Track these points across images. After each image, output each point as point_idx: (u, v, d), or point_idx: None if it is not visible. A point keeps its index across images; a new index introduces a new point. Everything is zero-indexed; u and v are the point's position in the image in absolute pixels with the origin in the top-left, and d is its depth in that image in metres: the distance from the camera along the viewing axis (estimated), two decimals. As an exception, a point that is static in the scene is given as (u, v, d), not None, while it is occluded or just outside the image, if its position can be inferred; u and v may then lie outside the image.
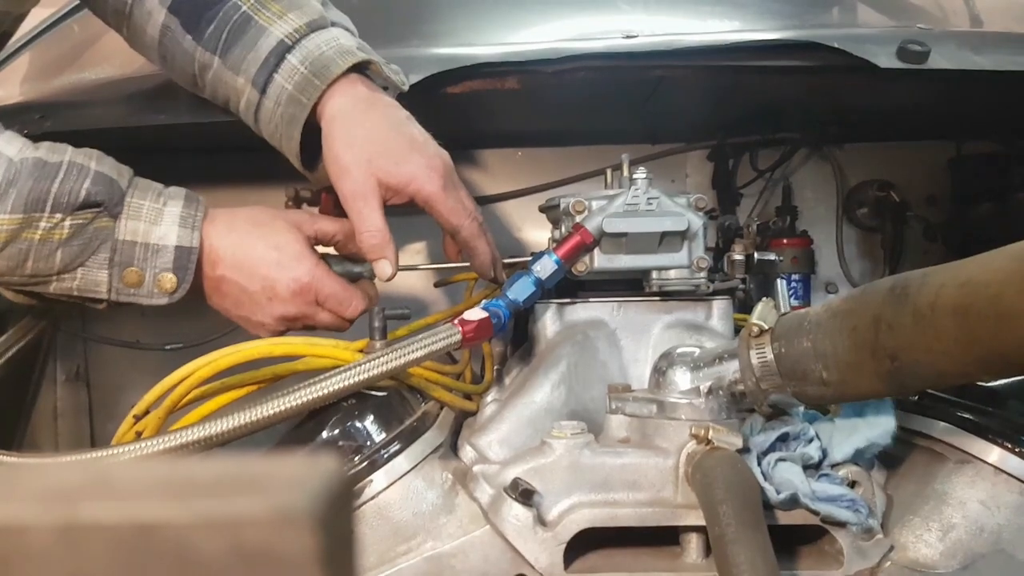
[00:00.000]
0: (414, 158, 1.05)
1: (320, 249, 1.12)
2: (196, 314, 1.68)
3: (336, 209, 1.66)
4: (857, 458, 0.96)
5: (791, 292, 1.60)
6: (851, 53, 1.06)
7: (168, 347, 1.62)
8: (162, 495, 0.23)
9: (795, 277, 1.62)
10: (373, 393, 1.04)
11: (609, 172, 1.21)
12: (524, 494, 0.91)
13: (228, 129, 1.15)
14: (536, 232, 1.68)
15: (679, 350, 1.00)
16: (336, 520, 0.24)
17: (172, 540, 0.23)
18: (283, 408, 0.88)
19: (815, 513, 0.91)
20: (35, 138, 1.13)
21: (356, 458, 0.98)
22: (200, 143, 1.62)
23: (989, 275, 0.69)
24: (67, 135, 1.15)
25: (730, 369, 0.92)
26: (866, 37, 1.15)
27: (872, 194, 1.67)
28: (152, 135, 1.42)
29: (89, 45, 1.66)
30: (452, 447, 1.09)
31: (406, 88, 1.12)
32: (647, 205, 1.09)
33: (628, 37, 1.19)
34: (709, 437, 0.89)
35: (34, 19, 1.70)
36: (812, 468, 0.94)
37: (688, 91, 1.40)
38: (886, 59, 1.06)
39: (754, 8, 1.53)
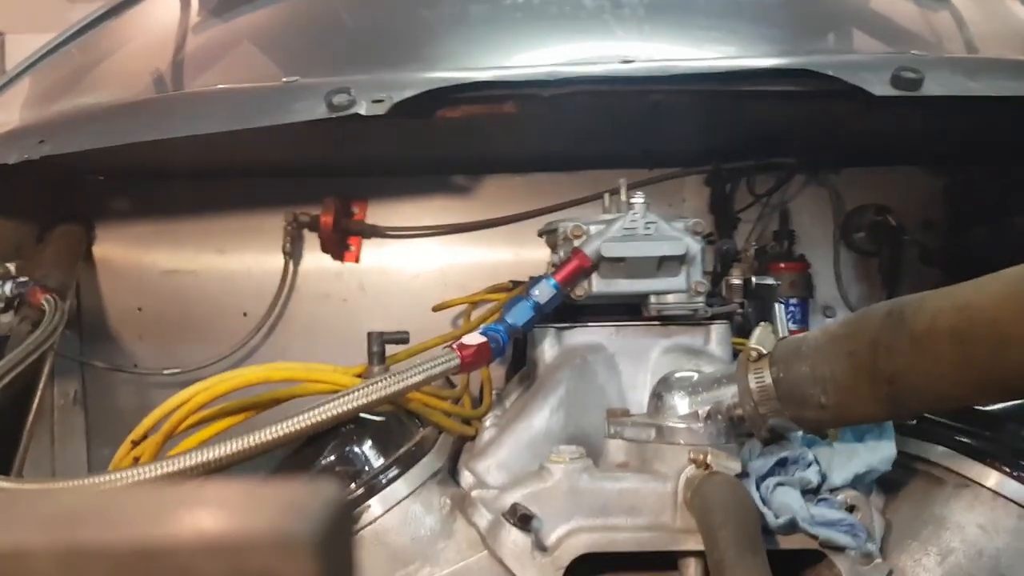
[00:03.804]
0: None
1: None
2: (195, 339, 1.69)
3: (334, 236, 1.68)
4: (856, 483, 0.95)
5: (789, 316, 1.60)
6: (845, 80, 1.07)
7: (166, 372, 1.62)
8: (163, 520, 0.23)
9: (793, 301, 1.62)
10: (371, 418, 1.04)
11: (607, 197, 1.21)
12: (522, 519, 0.91)
13: (226, 152, 1.15)
14: (535, 256, 1.69)
15: (677, 374, 1.00)
16: (336, 545, 0.24)
17: (174, 565, 0.23)
18: (281, 434, 0.88)
19: (814, 537, 0.91)
20: (34, 161, 1.13)
21: (354, 483, 0.98)
22: (198, 169, 1.63)
23: (986, 299, 0.70)
24: (65, 157, 1.15)
25: (728, 394, 0.92)
26: (860, 64, 1.16)
27: (869, 218, 1.68)
28: (150, 160, 1.42)
29: (88, 70, 1.68)
30: (451, 472, 1.09)
31: None
32: (645, 229, 1.09)
33: (625, 62, 1.21)
34: (708, 462, 0.88)
35: (34, 44, 1.72)
36: (811, 493, 0.94)
37: (685, 116, 1.41)
38: (880, 86, 1.07)
39: (749, 35, 1.55)
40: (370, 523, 0.96)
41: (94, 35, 1.70)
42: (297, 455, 1.04)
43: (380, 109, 1.06)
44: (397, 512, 0.97)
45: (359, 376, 1.11)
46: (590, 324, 1.16)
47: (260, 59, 1.62)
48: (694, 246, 1.10)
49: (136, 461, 1.01)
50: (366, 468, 1.00)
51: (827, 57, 1.28)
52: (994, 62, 1.37)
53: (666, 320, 1.14)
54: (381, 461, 1.00)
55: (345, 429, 1.02)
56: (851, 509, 0.94)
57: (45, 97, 1.61)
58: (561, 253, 1.13)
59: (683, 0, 1.62)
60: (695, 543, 0.90)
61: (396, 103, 1.06)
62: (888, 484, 1.02)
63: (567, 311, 1.16)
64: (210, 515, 0.24)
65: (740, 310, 1.26)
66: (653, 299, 1.11)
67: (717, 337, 1.16)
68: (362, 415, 1.01)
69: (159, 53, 1.66)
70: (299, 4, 1.71)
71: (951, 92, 1.09)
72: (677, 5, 1.61)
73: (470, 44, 1.53)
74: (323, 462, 1.00)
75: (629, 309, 1.15)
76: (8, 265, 1.32)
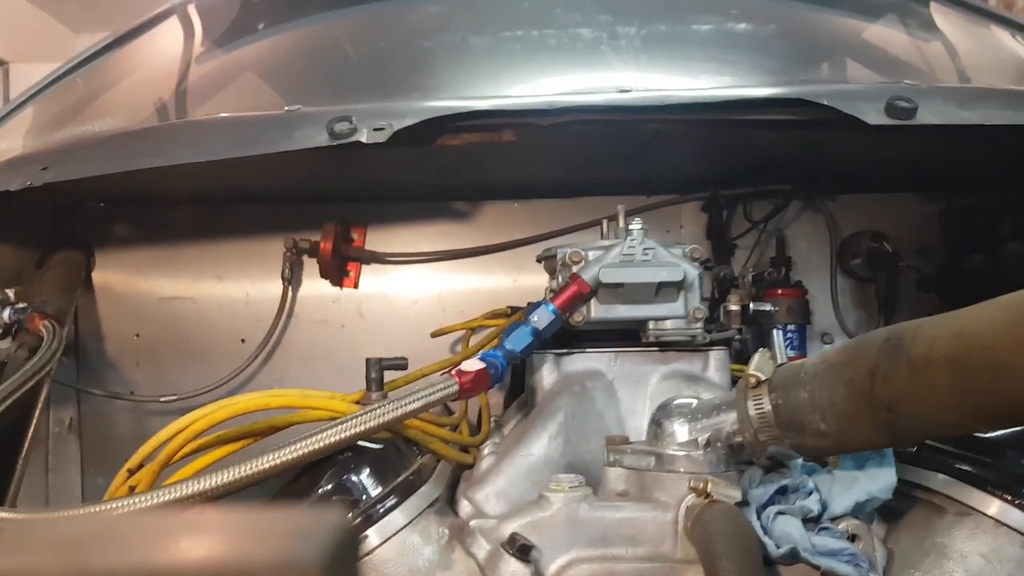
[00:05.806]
0: None
1: None
2: (192, 365, 1.69)
3: (333, 261, 1.68)
4: (857, 511, 0.95)
5: (787, 342, 1.60)
6: (840, 110, 1.08)
7: (163, 399, 1.61)
8: (173, 546, 0.23)
9: (791, 327, 1.62)
10: (369, 446, 1.03)
11: (605, 223, 1.22)
12: (522, 549, 0.90)
13: (227, 180, 1.16)
14: (533, 282, 1.69)
15: (676, 401, 1.00)
16: (342, 571, 0.24)
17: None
18: (279, 462, 0.87)
19: (816, 568, 0.90)
20: (36, 188, 1.14)
21: (351, 513, 0.97)
22: (198, 196, 1.63)
23: (982, 326, 0.70)
24: (67, 184, 1.16)
25: (728, 420, 0.92)
26: (855, 93, 1.18)
27: (865, 245, 1.69)
28: (151, 187, 1.43)
29: (92, 99, 1.69)
30: (449, 501, 1.08)
31: None
32: (643, 255, 1.10)
33: (622, 92, 1.22)
34: (708, 490, 0.88)
35: (38, 73, 1.73)
36: (812, 521, 0.93)
37: (681, 144, 1.42)
38: (874, 115, 1.08)
39: (745, 64, 1.56)
40: (367, 554, 0.95)
41: (98, 65, 1.72)
42: (294, 483, 1.03)
43: (381, 137, 1.07)
44: (395, 543, 0.96)
45: (357, 403, 1.10)
46: (588, 350, 1.16)
47: (262, 88, 1.63)
48: (692, 272, 1.11)
49: (132, 490, 1.00)
50: (363, 497, 0.99)
51: (822, 87, 1.29)
52: (986, 91, 1.38)
53: (664, 346, 1.14)
54: (379, 490, 0.99)
55: (342, 457, 1.01)
56: (853, 538, 0.93)
57: (49, 125, 1.62)
58: (560, 279, 1.14)
59: (679, 31, 1.64)
60: (696, 573, 0.89)
61: (397, 131, 1.07)
62: (888, 513, 1.01)
63: (565, 337, 1.16)
64: (219, 541, 0.24)
65: (738, 336, 1.26)
66: (651, 325, 1.12)
67: (716, 363, 1.16)
68: (360, 443, 1.00)
69: (162, 82, 1.67)
70: (301, 34, 1.73)
71: (944, 121, 1.10)
72: (673, 36, 1.63)
73: (470, 74, 1.55)
74: (320, 491, 0.99)
75: (627, 335, 1.16)
76: (7, 291, 1.32)
